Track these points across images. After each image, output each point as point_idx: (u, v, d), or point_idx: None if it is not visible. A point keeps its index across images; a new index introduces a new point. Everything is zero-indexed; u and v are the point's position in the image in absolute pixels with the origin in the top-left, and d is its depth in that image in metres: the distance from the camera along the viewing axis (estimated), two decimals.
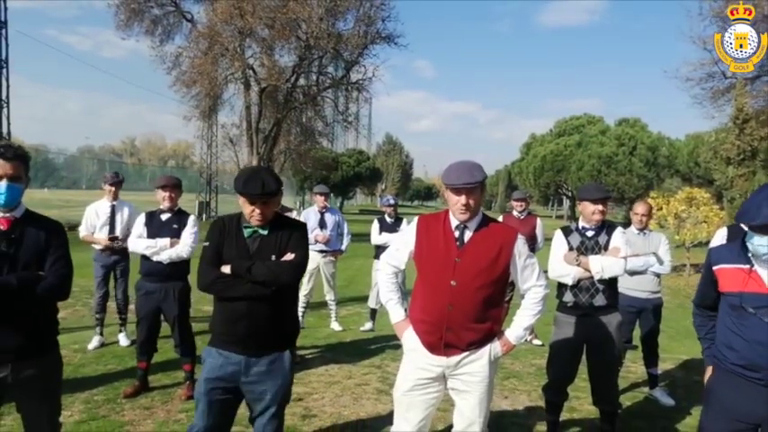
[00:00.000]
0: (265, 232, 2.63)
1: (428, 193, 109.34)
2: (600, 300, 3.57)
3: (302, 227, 2.81)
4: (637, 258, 4.55)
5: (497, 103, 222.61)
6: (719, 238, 5.44)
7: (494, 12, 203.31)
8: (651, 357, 4.97)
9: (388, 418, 3.51)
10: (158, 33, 22.18)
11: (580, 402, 4.54)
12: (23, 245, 2.34)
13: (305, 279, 6.43)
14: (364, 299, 7.89)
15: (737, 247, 2.39)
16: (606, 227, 3.68)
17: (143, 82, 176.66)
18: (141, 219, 4.54)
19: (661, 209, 16.03)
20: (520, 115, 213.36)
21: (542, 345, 6.33)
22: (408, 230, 2.76)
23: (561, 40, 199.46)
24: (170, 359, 5.03)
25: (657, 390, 4.95)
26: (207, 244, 2.69)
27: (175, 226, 4.41)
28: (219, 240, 2.66)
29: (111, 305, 6.04)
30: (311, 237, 6.40)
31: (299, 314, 6.24)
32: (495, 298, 2.61)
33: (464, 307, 2.54)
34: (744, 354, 2.27)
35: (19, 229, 2.35)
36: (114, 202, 5.82)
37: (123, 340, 5.86)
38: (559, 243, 3.71)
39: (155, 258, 4.34)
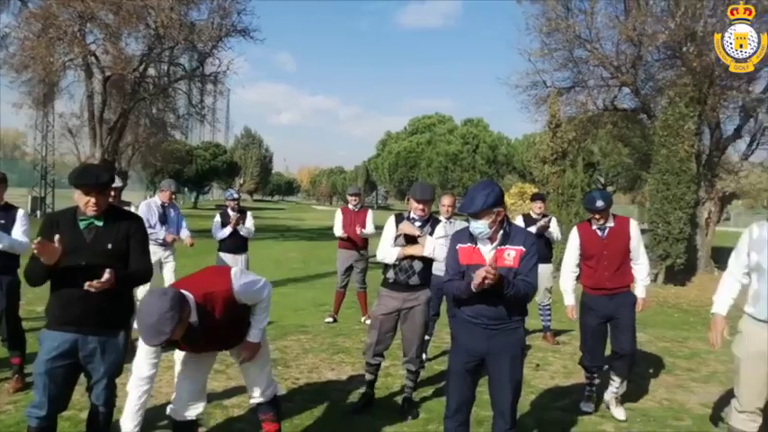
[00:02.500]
0: (101, 223, 2.93)
1: (289, 188, 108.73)
2: (415, 280, 4.30)
3: (137, 219, 3.16)
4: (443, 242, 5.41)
5: (357, 100, 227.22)
6: (518, 222, 6.62)
7: (357, 10, 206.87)
8: None
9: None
10: None
11: (396, 369, 5.28)
12: None
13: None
14: None
15: (467, 231, 3.14)
16: (432, 220, 4.41)
17: None
18: None
19: None
20: (378, 112, 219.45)
21: None
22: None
23: (418, 41, 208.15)
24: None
25: None
26: (39, 239, 2.85)
27: (3, 221, 4.34)
28: (50, 236, 2.84)
29: None
30: (161, 235, 6.49)
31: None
32: None
33: None
34: (474, 306, 3.06)
35: None
36: None
37: None
38: (390, 227, 4.39)
39: None
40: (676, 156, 12.36)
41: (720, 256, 12.83)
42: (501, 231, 3.05)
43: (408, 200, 4.52)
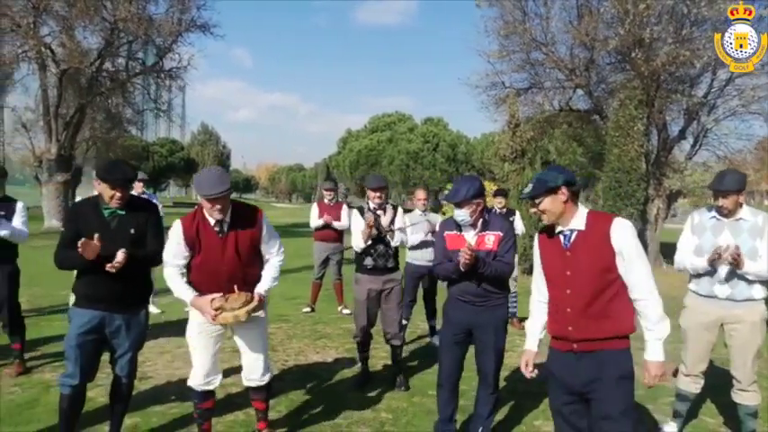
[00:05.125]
0: (123, 212, 3.21)
1: (247, 185, 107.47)
2: (391, 262, 4.73)
3: (154, 207, 3.44)
4: (417, 231, 5.82)
5: (315, 97, 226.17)
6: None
7: (312, 6, 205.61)
8: (430, 312, 6.31)
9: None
10: None
11: (376, 350, 5.65)
12: None
13: None
14: None
15: (453, 221, 3.59)
16: (389, 206, 4.81)
17: None
18: None
19: None
20: (337, 110, 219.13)
21: (350, 313, 7.42)
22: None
23: (375, 39, 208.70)
24: None
25: (435, 337, 6.30)
26: (63, 229, 3.21)
27: (3, 213, 4.51)
28: (76, 225, 3.18)
29: None
30: None
31: None
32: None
33: None
34: (460, 286, 3.51)
35: None
36: None
37: None
38: (357, 218, 4.75)
39: (1, 234, 4.43)
40: (627, 155, 13.12)
41: (669, 251, 13.71)
42: (481, 219, 3.53)
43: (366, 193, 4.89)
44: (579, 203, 2.56)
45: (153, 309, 7.27)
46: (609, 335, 2.47)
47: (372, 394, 4.55)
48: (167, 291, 9.02)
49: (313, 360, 5.48)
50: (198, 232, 3.14)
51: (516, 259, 7.41)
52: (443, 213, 17.29)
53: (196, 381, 3.32)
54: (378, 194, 4.69)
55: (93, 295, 3.16)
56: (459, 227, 3.56)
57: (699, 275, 3.71)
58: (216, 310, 3.06)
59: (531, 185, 2.54)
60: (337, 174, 51.58)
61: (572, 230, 2.55)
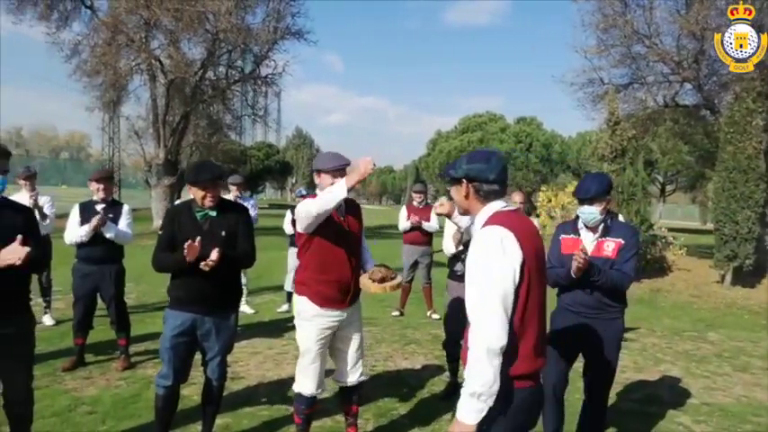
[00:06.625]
0: (214, 213, 3.26)
1: None
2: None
3: (244, 209, 3.48)
4: None
5: (406, 99, 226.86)
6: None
7: (403, 9, 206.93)
8: None
9: None
10: (54, 19, 21.10)
11: None
12: (1, 224, 2.79)
13: None
14: (277, 288, 8.47)
15: (572, 223, 3.39)
16: None
17: (29, 67, 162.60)
18: (75, 210, 4.86)
19: (550, 201, 17.84)
20: (427, 111, 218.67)
21: (440, 318, 7.25)
22: None
23: (466, 39, 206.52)
24: (102, 338, 5.44)
25: None
26: (161, 232, 3.29)
27: (111, 215, 4.80)
28: (171, 228, 3.26)
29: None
30: None
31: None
32: None
33: None
34: (571, 294, 3.30)
35: None
36: (36, 194, 6.05)
37: (48, 321, 6.17)
38: (449, 222, 4.58)
39: (108, 235, 4.70)
40: (744, 153, 12.00)
41: None
42: (602, 225, 3.26)
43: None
44: (497, 202, 2.08)
45: (247, 309, 7.49)
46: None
47: None
48: (260, 291, 9.25)
49: (402, 366, 5.38)
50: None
51: None
52: (537, 216, 16.72)
53: (309, 388, 3.30)
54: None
55: (185, 297, 3.23)
56: (576, 231, 3.32)
57: None
58: (380, 281, 3.18)
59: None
60: (427, 176, 51.45)
61: None
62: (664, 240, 13.62)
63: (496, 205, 2.06)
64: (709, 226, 12.76)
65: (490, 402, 1.81)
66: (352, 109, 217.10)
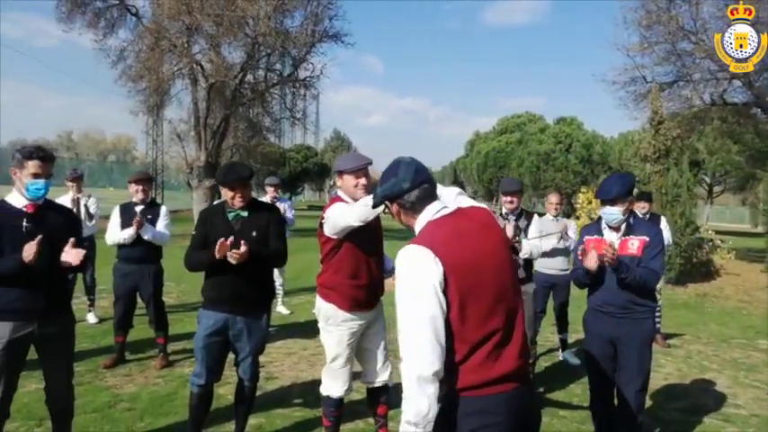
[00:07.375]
0: (245, 214, 3.30)
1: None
2: (521, 273, 4.39)
3: (275, 209, 3.51)
4: (549, 238, 5.42)
5: (445, 100, 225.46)
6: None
7: (441, 9, 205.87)
8: (562, 325, 5.88)
9: None
10: (101, 27, 21.87)
11: None
12: (46, 225, 2.88)
13: None
14: (314, 289, 8.45)
15: (596, 225, 3.40)
16: (524, 213, 4.54)
17: (79, 73, 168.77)
18: (116, 211, 4.99)
19: (590, 202, 17.42)
20: (467, 112, 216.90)
21: None
22: None
23: (505, 39, 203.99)
24: (142, 336, 5.57)
25: (567, 352, 5.86)
26: (194, 233, 3.35)
27: (149, 216, 4.91)
28: (204, 229, 3.31)
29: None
30: None
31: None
32: None
33: None
34: (599, 295, 3.30)
35: (41, 213, 2.91)
36: (78, 195, 6.25)
37: (92, 319, 6.35)
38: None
39: (145, 237, 4.81)
40: None
41: None
42: (625, 223, 3.25)
43: (496, 198, 4.60)
44: (431, 206, 1.91)
45: (283, 310, 7.55)
46: None
47: None
48: (297, 292, 9.31)
49: None
50: None
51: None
52: (578, 218, 16.36)
53: (337, 390, 3.31)
54: (509, 199, 4.42)
55: (217, 297, 3.27)
56: (600, 231, 3.33)
57: None
58: None
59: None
60: (464, 177, 51.05)
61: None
62: (711, 243, 13.14)
63: (430, 212, 1.89)
64: (761, 229, 12.24)
65: (429, 428, 1.70)
66: (391, 111, 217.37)
